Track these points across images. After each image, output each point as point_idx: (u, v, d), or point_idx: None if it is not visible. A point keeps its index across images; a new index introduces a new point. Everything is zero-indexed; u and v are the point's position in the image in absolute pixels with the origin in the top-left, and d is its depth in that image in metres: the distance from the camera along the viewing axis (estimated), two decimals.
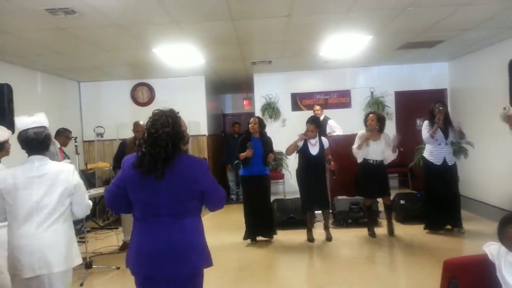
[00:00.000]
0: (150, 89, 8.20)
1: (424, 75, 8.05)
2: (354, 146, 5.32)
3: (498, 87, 5.78)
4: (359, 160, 5.38)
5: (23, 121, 2.49)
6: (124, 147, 5.35)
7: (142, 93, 8.21)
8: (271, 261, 4.80)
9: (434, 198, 5.24)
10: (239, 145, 5.28)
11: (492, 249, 1.79)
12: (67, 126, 6.18)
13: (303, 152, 5.17)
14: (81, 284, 4.13)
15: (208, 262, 2.13)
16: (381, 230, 5.57)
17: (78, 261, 2.57)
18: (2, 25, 4.22)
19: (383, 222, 5.77)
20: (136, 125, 5.36)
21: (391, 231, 5.38)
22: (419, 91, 7.98)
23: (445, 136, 5.14)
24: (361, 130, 5.42)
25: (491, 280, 1.73)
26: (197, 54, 6.03)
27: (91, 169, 6.76)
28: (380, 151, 5.23)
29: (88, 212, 2.68)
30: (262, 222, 5.27)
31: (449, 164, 5.20)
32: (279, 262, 4.77)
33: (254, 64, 7.20)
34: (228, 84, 9.63)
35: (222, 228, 6.09)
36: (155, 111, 2.10)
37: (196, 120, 7.84)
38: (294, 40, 5.59)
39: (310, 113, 6.06)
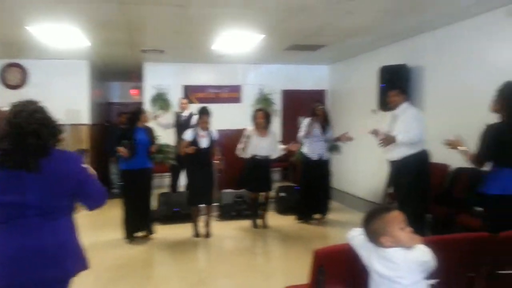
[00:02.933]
0: (23, 70, 7.33)
1: (308, 76, 8.63)
2: (240, 146, 5.48)
3: (369, 90, 6.47)
4: (247, 156, 5.56)
5: None
6: None
7: (13, 75, 7.30)
8: (151, 257, 4.68)
9: (308, 190, 5.69)
10: (117, 136, 4.95)
11: (357, 240, 1.97)
12: None
13: (193, 144, 5.10)
14: None
15: (84, 265, 1.99)
16: (262, 222, 5.83)
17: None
18: None
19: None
20: None
21: (264, 224, 5.70)
22: (303, 91, 8.54)
23: (323, 133, 5.60)
24: (248, 127, 5.60)
25: (356, 267, 1.91)
26: (81, 36, 5.55)
27: None
28: (267, 146, 5.47)
29: None
30: (141, 218, 5.08)
31: (324, 159, 5.70)
32: (160, 258, 4.69)
33: (144, 52, 6.91)
34: (115, 71, 9.08)
35: (100, 225, 5.67)
36: (17, 102, 1.90)
37: (77, 108, 7.25)
38: (188, 31, 5.50)
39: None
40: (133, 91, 10.57)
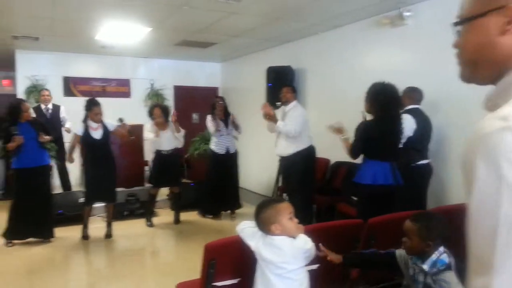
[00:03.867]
0: None
1: (200, 72, 8.63)
2: (151, 136, 5.30)
3: (258, 89, 6.73)
4: (152, 150, 5.46)
5: None
6: None
7: None
8: (35, 264, 4.22)
9: (215, 185, 5.70)
10: (4, 133, 4.42)
11: (246, 231, 2.06)
12: None
13: (86, 139, 4.74)
14: None
15: None
16: (158, 220, 5.70)
17: None
18: None
19: (160, 211, 5.96)
20: None
21: (177, 220, 5.61)
22: (196, 87, 8.52)
23: (226, 126, 5.67)
24: (147, 123, 5.44)
25: (244, 257, 1.99)
26: None
27: None
28: (170, 139, 5.37)
29: None
30: (35, 222, 4.61)
31: (231, 152, 5.76)
32: (46, 264, 4.24)
33: (16, 38, 6.17)
34: None
35: None
36: None
37: None
38: (64, 19, 5.07)
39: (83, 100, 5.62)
40: (4, 81, 9.38)
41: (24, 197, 4.54)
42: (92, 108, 4.76)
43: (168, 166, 5.45)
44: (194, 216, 5.89)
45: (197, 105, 8.45)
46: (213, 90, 8.61)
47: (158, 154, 5.45)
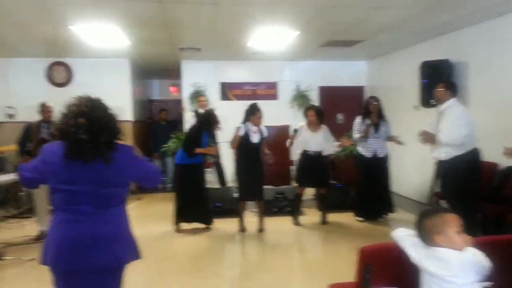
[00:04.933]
0: (68, 69, 7.63)
1: (345, 72, 8.48)
2: (293, 141, 5.49)
3: (410, 87, 6.28)
4: (299, 150, 5.58)
5: None
6: (28, 130, 4.95)
7: (58, 73, 7.61)
8: (198, 250, 4.75)
9: (365, 188, 5.55)
10: (193, 137, 5.16)
11: (406, 239, 1.90)
12: None
13: (245, 141, 5.12)
14: None
15: (135, 255, 2.06)
16: (305, 219, 5.78)
17: None
18: None
19: (307, 211, 6.04)
20: (43, 106, 4.99)
21: (324, 220, 5.62)
22: (341, 87, 8.41)
23: (376, 130, 5.44)
24: (300, 122, 5.60)
25: (403, 266, 1.86)
26: (121, 35, 5.71)
27: (1, 152, 6.13)
28: (319, 142, 5.44)
29: None
30: (196, 210, 5.28)
31: (379, 156, 5.51)
32: (206, 251, 4.73)
33: (182, 50, 7.02)
34: (155, 69, 9.29)
35: (147, 218, 5.94)
36: (81, 97, 1.98)
37: (120, 105, 7.46)
38: (223, 29, 5.55)
39: (240, 103, 6.08)
40: (172, 89, 10.77)
41: (183, 188, 5.24)
42: (255, 112, 5.11)
43: (314, 166, 5.48)
44: (341, 217, 5.81)
45: (341, 105, 8.34)
46: (359, 90, 8.39)
47: (305, 154, 5.53)
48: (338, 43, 6.55)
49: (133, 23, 5.19)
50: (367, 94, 8.28)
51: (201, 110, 7.09)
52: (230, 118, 6.13)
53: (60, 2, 4.30)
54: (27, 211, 6.02)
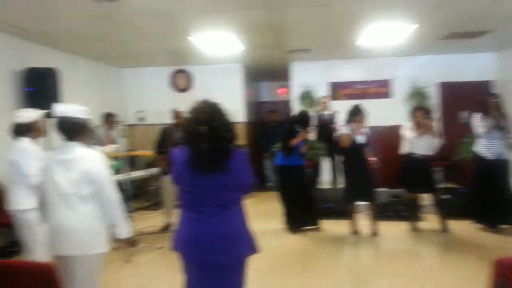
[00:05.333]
0: (188, 75, 8.31)
1: (468, 66, 7.69)
2: (410, 136, 5.08)
3: None
4: (405, 151, 5.22)
5: (57, 109, 2.59)
6: (164, 134, 5.51)
7: (180, 80, 8.35)
8: (310, 250, 4.80)
9: (484, 194, 5.02)
10: (285, 135, 5.25)
11: None
12: (111, 110, 6.42)
13: (352, 141, 5.04)
14: (128, 261, 4.33)
15: (253, 250, 2.19)
16: (424, 225, 5.39)
17: (100, 249, 2.54)
18: (52, 13, 4.39)
19: (427, 216, 5.56)
20: (176, 112, 5.50)
21: (443, 228, 5.16)
22: (463, 83, 7.65)
23: (499, 129, 4.85)
24: (406, 123, 5.22)
25: None
26: (236, 42, 6.04)
27: (136, 155, 6.95)
28: (426, 145, 5.07)
29: (113, 202, 2.57)
30: (304, 212, 5.32)
31: (502, 159, 4.95)
32: (318, 251, 4.75)
33: (291, 52, 7.13)
34: (264, 71, 9.59)
35: (258, 215, 6.09)
36: (202, 102, 2.12)
37: (233, 107, 7.87)
38: (332, 29, 5.49)
39: (350, 103, 5.94)
40: (280, 90, 11.00)
41: (286, 190, 5.30)
42: (357, 114, 4.99)
43: (419, 171, 5.08)
44: (464, 225, 5.28)
45: (464, 103, 7.55)
46: (485, 85, 7.53)
47: (409, 157, 5.14)
48: (461, 35, 5.98)
49: (247, 30, 5.44)
50: (496, 89, 7.40)
51: (325, 112, 7.07)
52: (340, 118, 6.03)
53: (183, 16, 4.72)
54: (155, 204, 6.72)
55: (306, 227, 5.36)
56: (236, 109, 7.97)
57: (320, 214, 5.64)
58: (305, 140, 5.32)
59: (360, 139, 5.01)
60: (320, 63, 8.11)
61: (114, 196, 2.54)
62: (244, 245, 2.16)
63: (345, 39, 6.16)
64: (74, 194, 2.46)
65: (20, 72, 5.28)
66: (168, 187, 5.28)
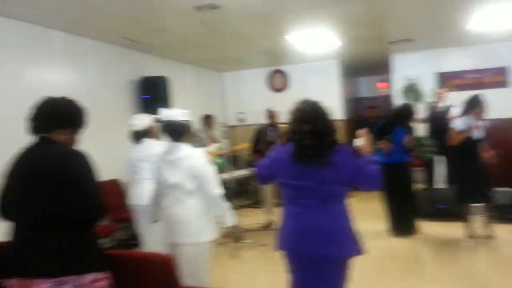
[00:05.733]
0: (285, 75, 8.40)
1: None
2: None
3: None
4: None
5: (163, 113, 2.89)
6: (258, 134, 5.65)
7: (277, 80, 8.48)
8: (418, 254, 4.52)
9: None
10: (377, 130, 4.97)
11: None
12: (212, 113, 6.80)
13: (468, 137, 4.59)
14: (234, 256, 4.54)
15: (358, 250, 2.14)
16: None
17: (208, 238, 2.77)
18: (159, 24, 4.79)
19: None
20: (270, 112, 5.61)
21: None
22: None
23: None
24: None
25: None
26: (332, 37, 5.94)
27: (235, 150, 7.25)
28: None
29: (215, 195, 2.77)
30: (407, 214, 5.01)
31: None
32: (428, 256, 4.46)
33: (392, 43, 6.78)
34: (362, 66, 9.27)
35: (360, 215, 5.88)
36: (304, 102, 2.21)
37: (330, 105, 7.75)
38: (438, 14, 5.08)
39: (461, 94, 5.43)
40: (380, 85, 10.54)
41: (390, 189, 4.89)
42: (477, 105, 4.48)
43: None
44: None
45: None
46: None
47: None
48: None
49: (345, 24, 5.32)
50: None
51: (439, 104, 6.54)
52: (456, 111, 5.54)
53: (280, 15, 4.79)
54: (256, 202, 6.92)
55: (410, 230, 5.02)
56: (333, 106, 7.85)
57: (432, 216, 5.27)
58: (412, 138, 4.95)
59: (477, 134, 4.51)
60: (424, 53, 7.58)
61: (216, 189, 2.76)
62: (349, 243, 2.11)
63: (453, 24, 5.66)
64: (181, 188, 2.74)
65: (136, 81, 5.88)
66: (267, 187, 5.40)
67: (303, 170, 2.09)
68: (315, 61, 7.94)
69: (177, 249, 2.75)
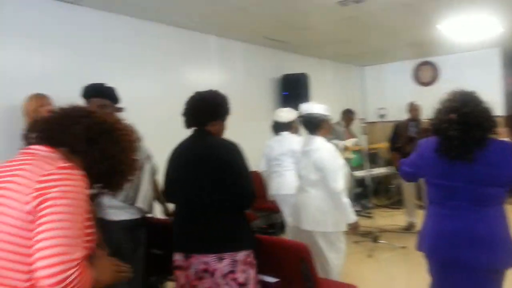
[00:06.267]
0: (434, 67, 7.74)
1: None
2: None
3: None
4: None
5: (303, 108, 3.07)
6: (398, 129, 5.36)
7: (425, 72, 7.86)
8: None
9: None
10: None
11: None
12: (351, 107, 6.69)
13: None
14: (369, 256, 4.46)
15: None
16: None
17: (331, 228, 2.88)
18: (302, 22, 4.90)
19: None
20: (411, 105, 5.29)
21: None
22: None
23: None
24: None
25: None
26: (493, 23, 5.23)
27: (373, 148, 7.03)
28: None
29: (336, 189, 2.82)
30: None
31: None
32: None
33: None
34: None
35: None
36: (455, 92, 2.01)
37: (489, 99, 6.85)
38: None
39: None
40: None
41: None
42: None
43: None
44: None
45: None
46: None
47: None
48: None
49: (509, 7, 4.64)
50: None
51: None
52: None
53: (430, 3, 4.43)
54: (397, 202, 6.57)
55: None
56: (493, 100, 6.89)
57: None
58: None
59: None
60: None
61: (337, 183, 2.80)
62: (505, 251, 1.86)
63: None
64: (305, 178, 2.94)
65: (278, 79, 6.14)
66: (409, 186, 5.09)
67: (452, 167, 1.88)
68: (471, 51, 7.11)
69: (304, 234, 2.91)
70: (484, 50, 7.07)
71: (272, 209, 4.22)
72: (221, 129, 2.15)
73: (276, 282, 2.22)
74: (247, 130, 5.42)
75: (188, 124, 2.12)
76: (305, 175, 2.95)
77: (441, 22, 5.14)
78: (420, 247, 2.08)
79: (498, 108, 7.17)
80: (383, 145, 6.77)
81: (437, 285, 2.07)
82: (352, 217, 2.86)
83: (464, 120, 1.85)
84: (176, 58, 4.79)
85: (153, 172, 2.63)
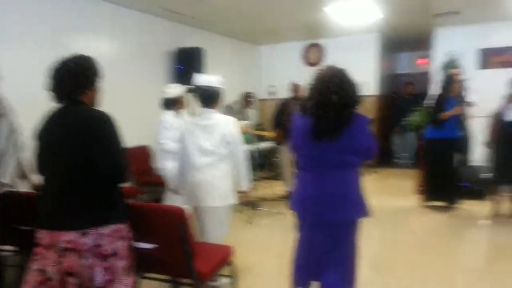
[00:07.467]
0: (320, 49, 8.24)
1: None
2: None
3: None
4: None
5: (197, 79, 2.96)
6: (282, 107, 5.63)
7: (312, 54, 8.33)
8: (439, 228, 4.57)
9: None
10: (437, 106, 4.92)
11: None
12: (248, 86, 6.80)
13: (499, 116, 4.59)
14: (250, 222, 4.75)
15: (364, 213, 2.22)
16: None
17: (231, 201, 2.91)
18: None
19: None
20: (294, 85, 5.60)
21: None
22: None
23: None
24: None
25: None
26: (374, 9, 5.74)
27: (261, 136, 7.26)
28: None
29: (242, 159, 2.93)
30: (443, 188, 5.03)
31: None
32: (447, 231, 4.48)
33: (437, 16, 6.46)
34: (403, 41, 8.91)
35: (384, 191, 6.05)
36: (330, 68, 2.20)
37: (365, 80, 7.58)
38: None
39: (504, 72, 5.18)
40: (420, 61, 10.14)
41: (431, 163, 5.05)
42: None
43: None
44: None
45: None
46: None
47: None
48: None
49: None
50: None
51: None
52: (491, 89, 5.35)
53: None
54: (279, 174, 6.95)
55: (443, 203, 5.11)
56: (368, 81, 7.65)
57: (463, 193, 5.28)
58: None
59: (510, 115, 4.43)
60: (469, 27, 7.17)
61: (243, 154, 2.92)
62: (357, 207, 2.21)
63: None
64: (214, 153, 2.83)
65: (173, 52, 5.95)
66: (285, 157, 5.45)
67: (320, 143, 2.13)
68: (353, 35, 7.72)
69: (202, 211, 2.88)
70: (365, 35, 7.73)
71: (158, 183, 4.10)
72: (94, 97, 1.98)
73: (154, 247, 2.23)
74: (139, 104, 5.21)
75: (58, 99, 1.91)
76: (214, 150, 2.82)
77: (327, 4, 5.46)
78: (291, 207, 2.35)
79: (374, 89, 8.02)
80: (269, 134, 6.93)
81: (305, 240, 2.34)
82: (250, 185, 3.01)
83: (341, 101, 2.08)
84: (62, 26, 4.33)
85: (19, 147, 2.44)
